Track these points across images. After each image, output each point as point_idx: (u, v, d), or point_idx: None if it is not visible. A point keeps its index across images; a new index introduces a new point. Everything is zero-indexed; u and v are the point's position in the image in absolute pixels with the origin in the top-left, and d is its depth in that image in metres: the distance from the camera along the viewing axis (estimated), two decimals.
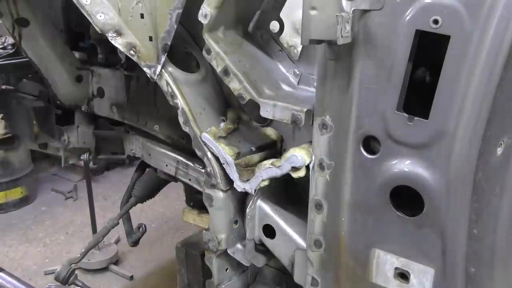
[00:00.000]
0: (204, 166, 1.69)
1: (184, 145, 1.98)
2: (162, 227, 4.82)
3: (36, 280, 3.92)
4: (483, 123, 1.03)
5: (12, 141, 4.68)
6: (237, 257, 1.71)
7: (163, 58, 1.59)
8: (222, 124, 1.70)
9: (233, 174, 1.55)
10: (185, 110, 1.61)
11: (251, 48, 1.58)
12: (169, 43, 1.56)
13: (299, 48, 1.62)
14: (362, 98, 1.15)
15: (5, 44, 4.43)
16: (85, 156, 2.79)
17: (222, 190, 1.63)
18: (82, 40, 2.66)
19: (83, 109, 2.50)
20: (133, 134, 2.37)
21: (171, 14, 1.52)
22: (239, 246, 1.71)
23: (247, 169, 1.55)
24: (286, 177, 1.44)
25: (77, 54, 2.62)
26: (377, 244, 1.21)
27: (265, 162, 1.49)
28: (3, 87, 2.72)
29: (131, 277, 4.01)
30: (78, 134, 2.65)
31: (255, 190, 1.52)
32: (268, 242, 1.58)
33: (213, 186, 1.63)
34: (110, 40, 1.65)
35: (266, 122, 1.69)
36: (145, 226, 2.62)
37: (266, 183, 1.48)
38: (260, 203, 1.56)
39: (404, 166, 1.12)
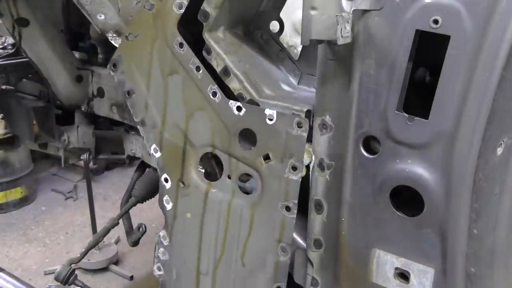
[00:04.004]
0: None
1: None
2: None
3: (36, 280, 3.92)
4: (483, 123, 1.03)
5: (12, 141, 4.67)
6: None
7: None
8: None
9: None
10: None
11: (251, 48, 1.58)
12: None
13: (299, 48, 1.62)
14: (362, 98, 1.15)
15: (5, 44, 4.44)
16: (85, 156, 2.79)
17: None
18: (82, 40, 2.67)
19: (83, 109, 2.50)
20: (133, 134, 2.37)
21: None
22: None
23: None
24: None
25: (77, 54, 2.62)
26: (377, 244, 1.21)
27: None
28: (3, 87, 2.72)
29: (131, 277, 4.01)
30: (78, 134, 2.65)
31: None
32: None
33: None
34: (110, 40, 1.65)
35: None
36: (145, 226, 2.62)
37: None
38: None
39: (404, 166, 1.12)
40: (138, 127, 1.55)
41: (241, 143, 1.36)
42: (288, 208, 1.30)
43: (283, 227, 1.31)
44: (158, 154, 1.50)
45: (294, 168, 1.27)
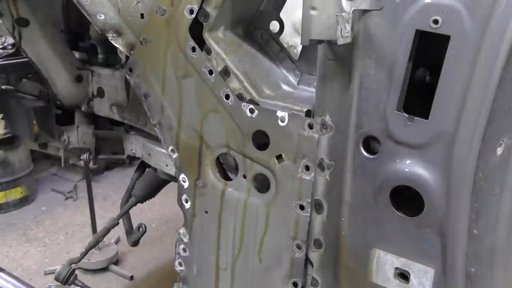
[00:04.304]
0: None
1: None
2: (162, 227, 4.82)
3: (36, 280, 3.92)
4: (483, 123, 1.03)
5: (12, 141, 4.68)
6: None
7: None
8: None
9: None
10: None
11: (251, 48, 1.58)
12: None
13: (299, 48, 1.62)
14: (362, 98, 1.15)
15: (5, 44, 4.44)
16: (85, 156, 2.79)
17: None
18: (82, 40, 2.67)
19: (83, 109, 2.50)
20: (133, 134, 2.37)
21: None
22: None
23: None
24: None
25: (77, 54, 2.62)
26: (377, 244, 1.21)
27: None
28: (3, 87, 2.72)
29: (131, 277, 4.02)
30: (78, 134, 2.65)
31: None
32: None
33: None
34: (110, 40, 1.65)
35: None
36: (145, 226, 2.62)
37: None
38: None
39: (404, 166, 1.12)
40: (155, 129, 1.59)
41: (255, 144, 1.38)
42: (302, 207, 1.32)
43: (297, 225, 1.34)
44: (175, 155, 1.55)
45: (307, 168, 1.29)
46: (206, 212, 1.52)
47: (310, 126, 1.26)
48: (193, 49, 1.42)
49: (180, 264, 1.64)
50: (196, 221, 1.56)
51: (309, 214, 1.31)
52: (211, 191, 1.50)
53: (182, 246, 1.61)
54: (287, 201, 1.34)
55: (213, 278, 1.56)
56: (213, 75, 1.40)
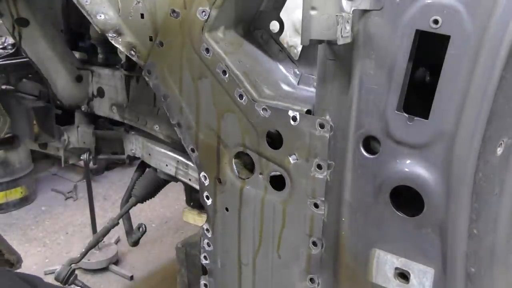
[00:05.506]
0: None
1: None
2: (162, 227, 4.82)
3: None
4: (483, 123, 1.03)
5: (12, 141, 4.67)
6: None
7: None
8: None
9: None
10: None
11: (251, 48, 1.58)
12: None
13: (299, 48, 1.62)
14: (362, 98, 1.15)
15: (5, 44, 4.44)
16: (85, 156, 2.80)
17: None
18: (82, 40, 2.67)
19: (83, 109, 2.50)
20: (133, 134, 2.37)
21: None
22: None
23: (247, 168, 1.56)
24: None
25: (77, 54, 2.62)
26: (377, 244, 1.21)
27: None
28: (3, 87, 2.72)
29: (131, 277, 4.02)
30: (78, 134, 2.65)
31: None
32: None
33: None
34: (110, 40, 1.65)
35: None
36: (145, 226, 2.62)
37: None
38: None
39: (404, 166, 1.12)
40: (175, 128, 1.63)
41: (271, 141, 1.40)
42: (316, 205, 1.34)
43: (312, 222, 1.36)
44: (195, 154, 1.60)
45: (319, 167, 1.30)
46: (227, 209, 1.57)
47: (321, 126, 1.27)
48: (207, 50, 1.45)
49: (205, 258, 1.70)
50: (218, 217, 1.61)
51: (323, 212, 1.33)
52: (230, 189, 1.54)
53: (206, 241, 1.67)
54: (301, 199, 1.36)
55: (236, 272, 1.61)
56: (227, 75, 1.43)
